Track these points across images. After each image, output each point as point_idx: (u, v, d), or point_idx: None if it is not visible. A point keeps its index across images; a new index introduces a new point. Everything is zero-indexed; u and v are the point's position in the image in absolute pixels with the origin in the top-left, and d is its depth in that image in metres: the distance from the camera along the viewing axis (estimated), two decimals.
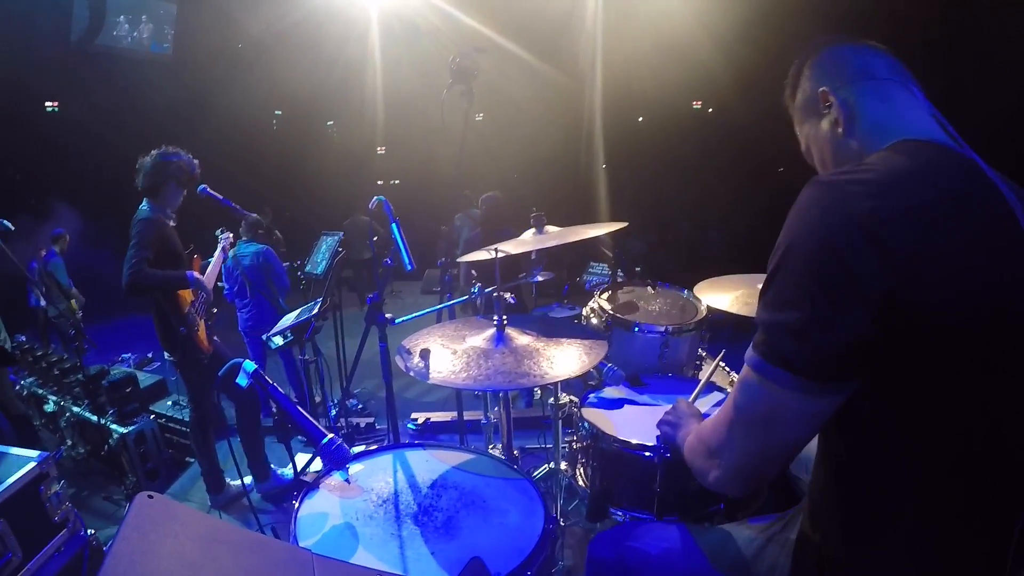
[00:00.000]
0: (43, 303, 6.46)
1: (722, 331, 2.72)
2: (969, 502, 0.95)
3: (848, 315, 0.86)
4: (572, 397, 2.27)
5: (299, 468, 1.73)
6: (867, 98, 1.08)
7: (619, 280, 3.09)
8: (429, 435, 4.08)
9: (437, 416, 4.25)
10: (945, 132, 1.02)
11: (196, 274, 3.15)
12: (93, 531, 2.31)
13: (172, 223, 3.18)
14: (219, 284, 4.38)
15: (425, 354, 1.83)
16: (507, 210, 5.13)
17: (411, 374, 1.76)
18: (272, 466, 3.65)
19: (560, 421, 2.29)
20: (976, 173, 0.94)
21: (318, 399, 4.23)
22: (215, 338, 3.38)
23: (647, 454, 1.80)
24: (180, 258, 3.17)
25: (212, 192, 3.33)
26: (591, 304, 2.73)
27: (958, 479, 0.94)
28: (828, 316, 0.88)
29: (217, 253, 3.55)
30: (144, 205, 3.08)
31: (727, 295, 2.44)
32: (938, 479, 0.94)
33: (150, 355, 6.70)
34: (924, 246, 0.85)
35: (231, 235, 3.70)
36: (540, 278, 3.42)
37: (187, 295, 3.21)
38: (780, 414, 0.96)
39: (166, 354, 3.26)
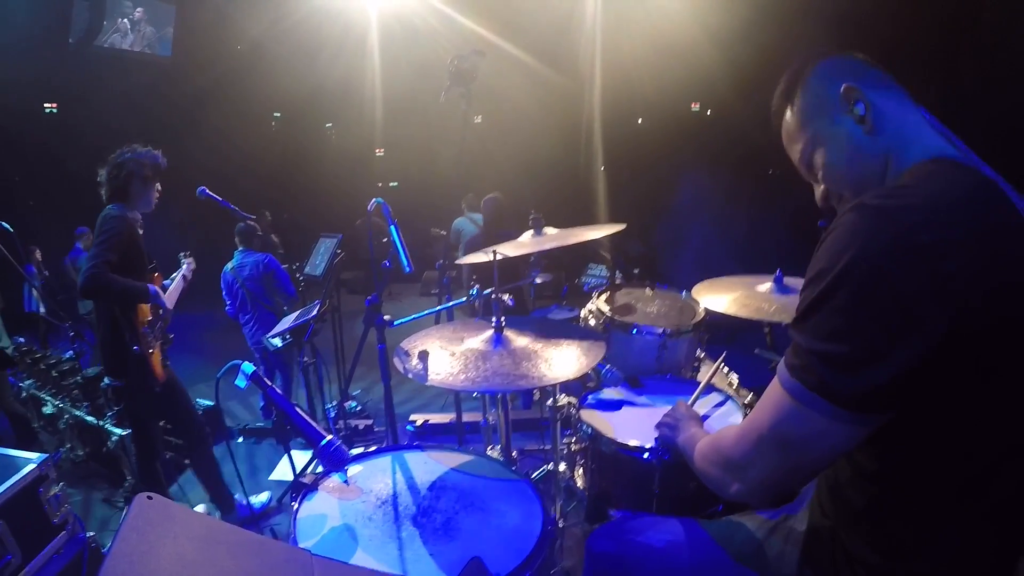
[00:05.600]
0: (42, 309, 6.48)
1: (720, 332, 2.73)
2: (991, 506, 0.96)
3: (902, 350, 0.85)
4: (571, 398, 2.27)
5: (298, 470, 1.73)
6: (891, 102, 1.06)
7: (617, 282, 3.10)
8: (428, 437, 4.08)
9: (436, 418, 4.25)
10: (951, 145, 1.03)
11: (157, 289, 2.92)
12: (93, 533, 2.31)
13: (140, 230, 2.93)
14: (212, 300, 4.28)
15: (423, 356, 1.84)
16: (508, 212, 5.13)
17: (409, 376, 1.76)
18: (236, 496, 3.39)
19: (559, 423, 2.29)
20: (999, 193, 0.94)
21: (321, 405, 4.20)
22: (168, 363, 3.10)
23: (646, 456, 1.80)
24: (144, 268, 2.92)
25: (211, 194, 3.29)
26: (589, 306, 2.74)
27: (985, 485, 0.95)
28: (880, 351, 0.86)
29: (178, 277, 3.27)
30: (112, 205, 2.84)
31: (725, 296, 2.44)
32: (966, 485, 0.95)
33: None
34: (977, 278, 0.85)
35: (193, 261, 3.38)
36: (539, 280, 3.42)
37: (145, 311, 2.94)
38: (814, 438, 0.94)
39: (107, 379, 2.98)
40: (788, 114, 1.17)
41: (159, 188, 2.99)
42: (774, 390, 1.00)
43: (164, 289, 3.09)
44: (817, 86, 1.11)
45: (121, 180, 2.85)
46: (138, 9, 8.65)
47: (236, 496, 3.38)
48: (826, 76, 1.10)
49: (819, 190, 1.16)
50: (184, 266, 3.34)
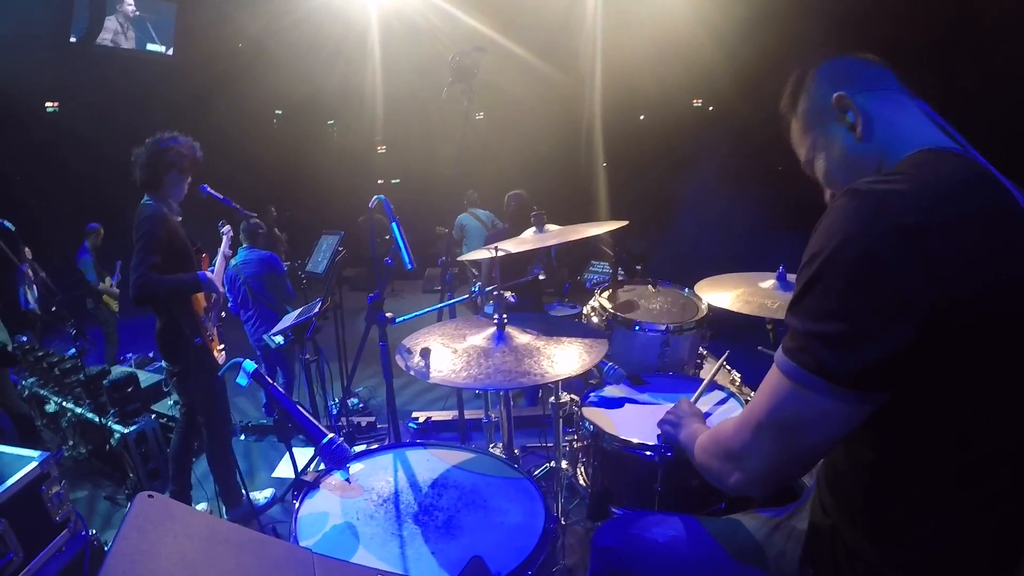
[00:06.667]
0: (34, 305, 6.48)
1: (723, 329, 2.72)
2: (991, 494, 0.96)
3: (891, 327, 0.86)
4: (573, 396, 2.27)
5: (300, 468, 1.73)
6: (883, 105, 1.08)
7: (620, 279, 3.09)
8: (430, 434, 4.08)
9: (438, 415, 4.25)
10: (954, 140, 1.04)
11: (208, 274, 2.92)
12: (95, 531, 2.31)
13: (178, 217, 2.95)
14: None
15: (425, 353, 1.83)
16: (532, 207, 5.14)
17: (412, 373, 1.75)
18: (244, 491, 3.38)
19: (561, 420, 2.29)
20: (993, 180, 0.95)
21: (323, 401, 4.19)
22: (223, 348, 3.13)
23: (648, 453, 1.80)
24: (190, 258, 2.93)
25: (213, 192, 3.28)
26: (592, 303, 2.73)
27: (983, 474, 0.95)
28: (871, 327, 0.87)
29: (220, 251, 3.31)
30: (146, 200, 2.83)
31: (728, 293, 2.43)
32: (964, 474, 0.95)
33: (151, 354, 6.70)
34: (966, 259, 0.86)
35: (231, 228, 3.45)
36: (542, 276, 3.42)
37: (200, 300, 2.98)
38: (813, 421, 0.95)
39: (165, 363, 2.99)
40: (793, 120, 1.21)
41: (191, 181, 3.00)
42: (772, 376, 1.01)
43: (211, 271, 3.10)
44: (815, 95, 1.16)
45: (159, 169, 2.83)
46: (139, 7, 8.64)
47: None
48: (823, 84, 1.14)
49: (828, 191, 1.20)
50: (224, 236, 3.35)
